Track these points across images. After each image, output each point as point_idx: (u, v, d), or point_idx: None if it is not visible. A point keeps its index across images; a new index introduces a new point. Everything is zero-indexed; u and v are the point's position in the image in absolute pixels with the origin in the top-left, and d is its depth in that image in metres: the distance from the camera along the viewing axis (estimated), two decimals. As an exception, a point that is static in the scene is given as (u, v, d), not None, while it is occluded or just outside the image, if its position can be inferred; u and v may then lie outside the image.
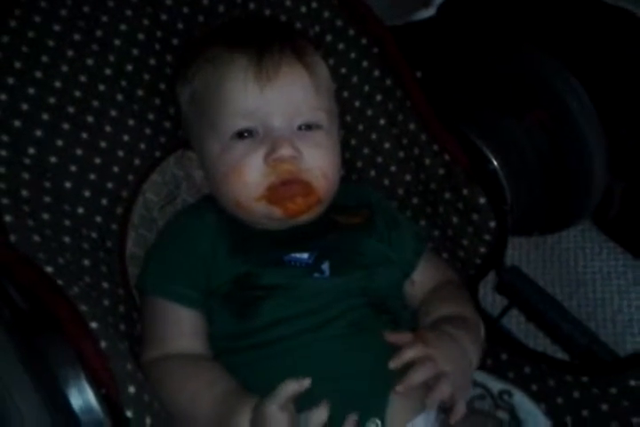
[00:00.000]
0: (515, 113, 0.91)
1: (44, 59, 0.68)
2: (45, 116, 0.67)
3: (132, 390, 0.53)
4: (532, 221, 1.01)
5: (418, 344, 0.61)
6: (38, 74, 0.67)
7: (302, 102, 0.67)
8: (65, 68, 0.69)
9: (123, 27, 0.74)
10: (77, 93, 0.70)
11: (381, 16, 0.81)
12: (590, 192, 0.94)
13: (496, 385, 0.71)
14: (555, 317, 0.79)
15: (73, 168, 0.68)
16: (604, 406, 0.68)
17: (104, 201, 0.70)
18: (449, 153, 0.76)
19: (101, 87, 0.72)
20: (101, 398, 0.50)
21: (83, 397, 0.50)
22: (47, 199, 0.64)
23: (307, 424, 0.55)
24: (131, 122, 0.74)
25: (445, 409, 0.63)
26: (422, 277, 0.74)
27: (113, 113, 0.72)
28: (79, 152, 0.69)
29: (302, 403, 0.56)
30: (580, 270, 1.23)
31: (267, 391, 0.56)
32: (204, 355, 0.65)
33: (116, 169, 0.72)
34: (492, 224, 0.75)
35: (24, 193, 0.62)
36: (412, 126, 0.78)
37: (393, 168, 0.81)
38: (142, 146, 0.75)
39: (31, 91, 0.67)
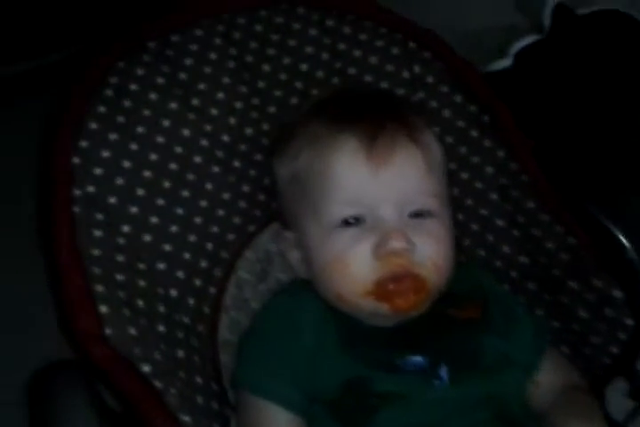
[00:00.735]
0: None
1: (140, 130, 0.64)
2: (141, 192, 0.62)
3: None
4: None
5: None
6: (134, 146, 0.63)
7: (415, 189, 0.61)
8: (161, 140, 0.65)
9: (220, 95, 0.70)
10: (173, 166, 0.65)
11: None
12: None
13: None
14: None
15: (167, 247, 0.63)
16: None
17: (197, 282, 0.65)
18: (575, 237, 0.68)
19: (197, 159, 0.67)
20: None
21: None
22: (142, 283, 0.59)
23: None
24: (226, 195, 0.69)
25: None
26: (547, 379, 0.65)
27: (209, 186, 0.67)
28: (174, 229, 0.64)
29: None
30: None
31: None
32: None
33: (209, 246, 0.67)
34: (629, 322, 0.66)
35: (119, 278, 0.57)
36: (529, 204, 0.71)
37: (506, 249, 0.73)
38: (236, 220, 0.70)
39: (127, 164, 0.62)
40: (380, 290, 0.59)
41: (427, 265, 0.60)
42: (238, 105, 0.71)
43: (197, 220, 0.66)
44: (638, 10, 1.17)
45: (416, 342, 0.61)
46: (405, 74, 0.76)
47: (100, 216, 0.59)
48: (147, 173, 0.63)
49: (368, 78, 0.76)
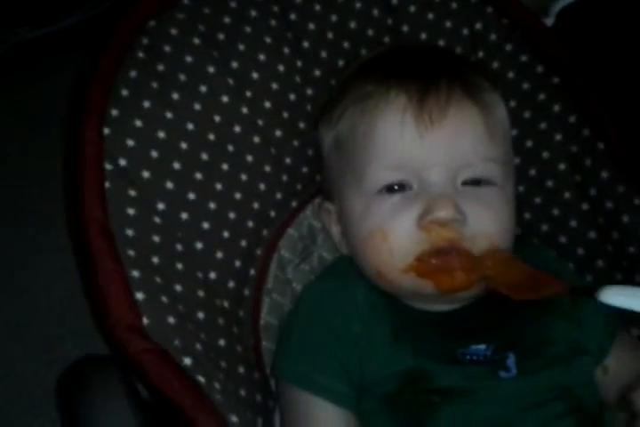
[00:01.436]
0: None
1: (175, 96, 0.58)
2: (177, 165, 0.57)
3: None
4: None
5: None
6: (169, 114, 0.58)
7: (472, 152, 0.54)
8: (198, 107, 0.59)
9: (261, 57, 0.64)
10: (211, 137, 0.59)
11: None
12: None
13: None
14: None
15: (205, 225, 0.58)
16: None
17: (237, 262, 0.60)
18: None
19: (237, 129, 0.61)
20: None
21: None
22: (179, 266, 0.54)
23: None
24: (267, 168, 0.63)
25: None
26: (617, 365, 0.59)
27: (249, 158, 0.62)
28: (212, 206, 0.58)
29: None
30: None
31: None
32: None
33: (250, 224, 0.61)
34: None
35: (155, 260, 0.52)
36: (604, 174, 0.64)
37: (573, 223, 0.67)
38: (278, 195, 0.64)
39: (161, 135, 0.57)
40: (423, 265, 0.53)
41: (479, 241, 0.53)
42: (281, 68, 0.65)
43: (237, 195, 0.61)
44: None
45: (477, 328, 0.56)
46: (465, 31, 0.69)
47: (132, 192, 0.54)
48: (183, 145, 0.58)
49: (423, 36, 0.69)
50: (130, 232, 0.52)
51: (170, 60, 0.59)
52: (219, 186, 0.59)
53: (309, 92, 0.66)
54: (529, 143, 0.67)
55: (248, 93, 0.63)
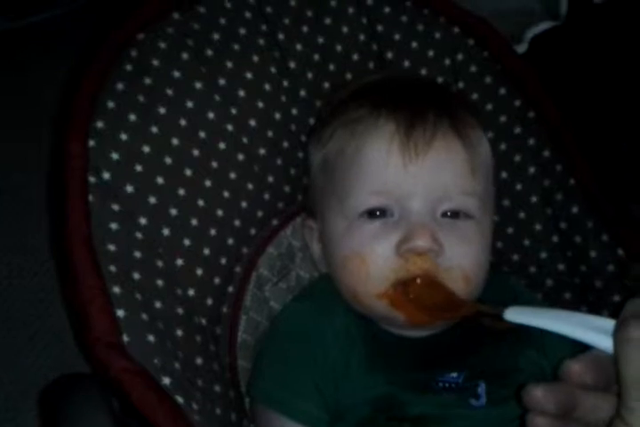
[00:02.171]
0: None
1: (162, 111, 0.58)
2: (160, 180, 0.56)
3: None
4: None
5: None
6: (154, 129, 0.57)
7: (453, 185, 0.56)
8: (184, 123, 0.59)
9: (248, 75, 0.64)
10: (196, 153, 0.59)
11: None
12: None
13: None
14: None
15: (186, 242, 0.57)
16: None
17: (216, 280, 0.60)
18: (625, 248, 0.64)
19: (222, 145, 0.61)
20: None
21: None
22: (160, 282, 0.53)
23: None
24: (250, 186, 0.63)
25: None
26: None
27: (232, 175, 0.62)
28: (194, 222, 0.58)
29: None
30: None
31: None
32: None
33: (230, 241, 0.61)
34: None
35: (136, 276, 0.51)
36: (574, 209, 0.66)
37: (543, 254, 0.69)
38: (260, 213, 0.64)
39: (146, 149, 0.56)
40: (397, 296, 0.54)
41: (454, 273, 0.55)
42: (267, 87, 0.65)
43: (219, 212, 0.60)
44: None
45: (451, 355, 0.57)
46: (447, 61, 0.70)
47: (115, 207, 0.53)
48: (167, 160, 0.57)
49: (406, 63, 0.71)
50: (112, 247, 0.51)
51: (157, 74, 0.59)
52: (201, 202, 0.59)
53: (294, 111, 0.67)
54: (504, 174, 0.69)
55: (234, 111, 0.63)
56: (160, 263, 0.55)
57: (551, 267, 0.68)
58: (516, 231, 0.70)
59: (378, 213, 0.56)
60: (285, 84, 0.66)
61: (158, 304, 0.52)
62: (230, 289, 0.62)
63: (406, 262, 0.53)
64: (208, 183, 0.60)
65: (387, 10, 0.69)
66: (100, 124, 0.54)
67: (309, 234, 0.64)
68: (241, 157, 0.63)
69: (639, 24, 1.13)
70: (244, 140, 0.63)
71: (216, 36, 0.63)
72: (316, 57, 0.68)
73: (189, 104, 0.60)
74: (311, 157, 0.63)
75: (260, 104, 0.64)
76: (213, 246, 0.59)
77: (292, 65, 0.67)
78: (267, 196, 0.65)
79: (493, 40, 0.70)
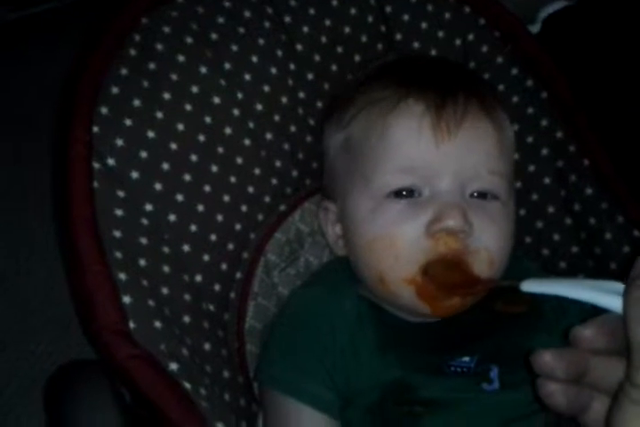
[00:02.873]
0: None
1: (166, 96, 0.57)
2: (166, 166, 0.56)
3: None
4: None
5: None
6: (159, 114, 0.57)
7: (482, 165, 0.54)
8: (189, 108, 0.58)
9: (254, 58, 0.63)
10: (202, 138, 0.59)
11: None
12: None
13: None
14: None
15: (193, 228, 0.57)
16: None
17: (224, 266, 0.59)
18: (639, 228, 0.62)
19: (228, 130, 0.61)
20: None
21: None
22: (166, 269, 0.53)
23: None
24: (257, 171, 0.62)
25: None
26: None
27: (239, 161, 0.61)
28: (200, 208, 0.58)
29: None
30: None
31: None
32: None
33: (238, 227, 0.61)
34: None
35: (142, 263, 0.51)
36: (588, 191, 0.65)
37: (556, 236, 0.68)
38: (267, 199, 0.64)
39: (151, 134, 0.56)
40: (424, 288, 0.53)
41: (481, 255, 0.54)
42: (273, 70, 0.64)
43: (225, 198, 0.60)
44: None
45: (463, 339, 0.56)
46: (457, 41, 0.69)
47: (121, 193, 0.53)
48: (173, 146, 0.57)
49: (416, 45, 0.69)
50: (117, 234, 0.51)
51: (162, 58, 0.58)
52: (207, 188, 0.59)
53: (301, 95, 0.66)
54: (516, 156, 0.68)
55: (240, 95, 0.62)
56: (166, 249, 0.54)
57: (565, 249, 0.67)
58: (529, 213, 0.69)
59: (405, 192, 0.55)
60: (292, 67, 0.65)
61: (165, 290, 0.52)
62: (238, 275, 0.61)
63: (436, 243, 0.52)
64: (214, 169, 0.59)
65: (395, -10, 0.68)
66: (104, 110, 0.54)
67: (325, 216, 0.62)
68: (247, 141, 0.62)
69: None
70: (251, 124, 0.63)
71: (220, 20, 0.62)
72: (324, 39, 0.67)
73: (194, 89, 0.59)
74: (329, 139, 0.62)
75: (267, 88, 0.64)
76: (220, 232, 0.59)
77: (299, 48, 0.66)
78: (274, 181, 0.64)
79: (505, 20, 0.68)
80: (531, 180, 0.68)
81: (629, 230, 0.63)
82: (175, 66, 0.59)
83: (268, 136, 0.64)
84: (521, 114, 0.67)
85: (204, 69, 0.60)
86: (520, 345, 0.57)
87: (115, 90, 0.55)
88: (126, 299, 0.47)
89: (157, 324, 0.48)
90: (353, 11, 0.67)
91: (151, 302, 0.49)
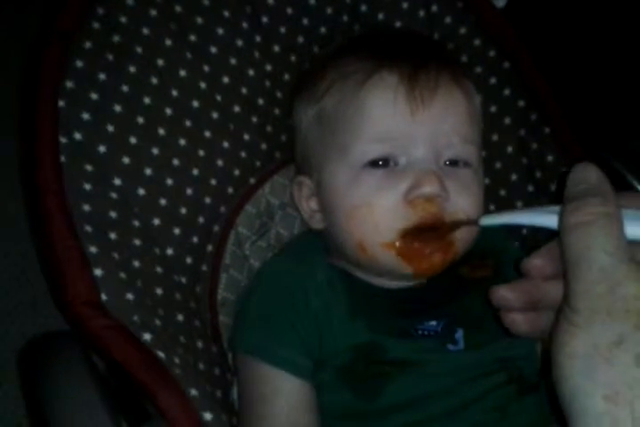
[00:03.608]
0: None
1: (132, 69, 0.57)
2: (133, 140, 0.56)
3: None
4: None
5: None
6: (125, 88, 0.57)
7: (455, 133, 0.56)
8: (155, 81, 0.58)
9: (219, 30, 0.63)
10: (169, 111, 0.59)
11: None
12: None
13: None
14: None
15: (162, 201, 0.57)
16: None
17: (195, 239, 0.60)
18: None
19: (195, 104, 0.61)
20: None
21: None
22: (137, 242, 0.54)
23: None
24: (225, 144, 0.63)
25: None
26: None
27: (207, 134, 0.61)
28: (169, 182, 0.58)
29: None
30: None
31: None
32: None
33: (207, 200, 0.61)
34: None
35: (112, 236, 0.52)
36: (549, 158, 0.67)
37: (519, 204, 0.70)
38: (236, 172, 0.64)
39: (117, 108, 0.56)
40: (404, 248, 0.54)
41: (459, 217, 0.55)
42: (239, 43, 0.64)
43: (194, 171, 0.60)
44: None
45: (430, 304, 0.58)
46: (421, 13, 0.69)
47: (89, 167, 0.53)
48: (140, 119, 0.57)
49: (380, 16, 0.70)
50: (86, 207, 0.51)
51: (126, 31, 0.58)
52: (176, 161, 0.59)
53: (268, 67, 0.66)
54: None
55: (206, 68, 0.62)
56: (137, 223, 0.55)
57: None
58: (493, 182, 0.70)
59: (381, 162, 0.56)
60: (258, 39, 0.65)
61: (136, 263, 0.53)
62: (209, 248, 0.62)
63: (415, 209, 0.54)
64: (182, 142, 0.59)
65: (359, -39, 0.68)
66: (69, 84, 0.54)
67: (299, 192, 0.63)
68: (215, 115, 0.62)
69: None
70: (218, 97, 0.63)
71: (184, -9, 0.61)
72: (289, 11, 0.67)
73: (160, 62, 0.59)
74: (300, 113, 0.62)
75: (233, 60, 0.64)
76: (190, 206, 0.59)
77: (265, 20, 0.66)
78: (243, 154, 0.65)
79: (468, -10, 0.69)
80: (494, 149, 0.69)
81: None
82: (140, 39, 0.58)
83: (236, 109, 0.64)
84: (484, 84, 0.69)
85: (169, 42, 0.60)
86: (483, 308, 0.59)
87: (79, 63, 0.54)
88: (97, 272, 0.48)
89: (129, 296, 0.49)
90: (318, -18, 0.67)
91: (122, 275, 0.50)
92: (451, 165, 0.57)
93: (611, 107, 0.95)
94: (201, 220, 0.61)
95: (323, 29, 0.69)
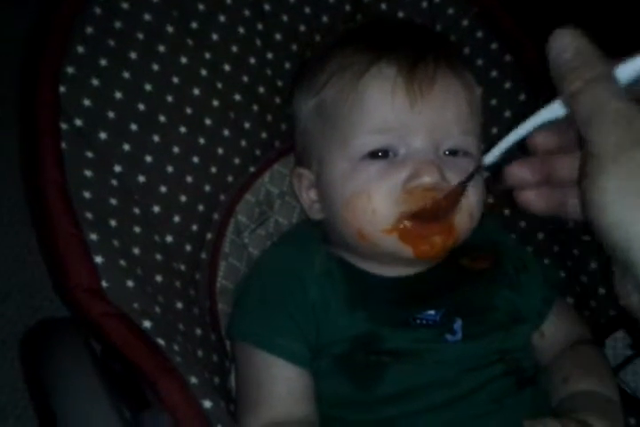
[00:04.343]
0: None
1: (133, 55, 0.57)
2: (134, 127, 0.56)
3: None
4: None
5: None
6: (126, 74, 0.56)
7: (454, 123, 0.56)
8: (156, 68, 0.58)
9: (221, 18, 0.63)
10: (170, 98, 0.59)
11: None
12: None
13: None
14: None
15: (163, 189, 0.57)
16: None
17: (194, 226, 0.60)
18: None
19: (196, 91, 0.61)
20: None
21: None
22: (137, 229, 0.54)
23: None
24: (226, 132, 0.63)
25: None
26: (553, 330, 0.63)
27: (207, 122, 0.61)
28: (170, 169, 0.58)
29: None
30: None
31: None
32: (316, 422, 0.55)
33: (207, 188, 0.61)
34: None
35: (113, 223, 0.52)
36: (550, 152, 0.67)
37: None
38: (237, 160, 0.64)
39: (118, 95, 0.55)
40: (405, 230, 0.54)
41: (462, 206, 0.56)
42: (241, 30, 0.64)
43: (195, 159, 0.60)
44: None
45: (429, 294, 0.59)
46: (424, 4, 0.69)
47: (89, 154, 0.52)
48: (141, 106, 0.57)
49: (383, 6, 0.70)
50: (87, 195, 0.51)
51: (127, 17, 0.57)
52: (176, 149, 0.59)
53: (269, 55, 0.66)
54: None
55: (207, 55, 0.62)
56: (137, 210, 0.55)
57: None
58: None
59: (381, 153, 0.56)
60: (260, 27, 0.65)
61: (136, 251, 0.53)
62: (209, 236, 0.62)
63: (413, 198, 0.54)
64: (183, 130, 0.59)
65: (363, -50, 0.68)
66: (70, 70, 0.53)
67: (299, 183, 0.63)
68: (216, 102, 0.62)
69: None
70: (219, 85, 0.62)
71: (187, -22, 0.61)
72: (292, 0, 0.67)
73: (161, 48, 0.59)
74: (300, 104, 0.62)
75: (234, 48, 0.63)
76: (190, 193, 0.59)
77: (267, 8, 0.65)
78: (243, 142, 0.64)
79: (471, -18, 0.69)
80: (493, 142, 0.69)
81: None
82: (141, 25, 0.58)
83: (237, 97, 0.64)
84: (485, 77, 0.69)
85: (170, 29, 0.59)
86: (483, 299, 0.60)
87: (80, 49, 0.54)
88: (98, 259, 0.48)
89: (130, 283, 0.49)
90: (321, -29, 0.67)
91: (123, 262, 0.50)
92: (450, 154, 0.57)
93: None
94: (201, 208, 0.61)
95: (325, 18, 0.69)
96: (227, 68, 0.63)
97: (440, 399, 0.54)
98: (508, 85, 0.69)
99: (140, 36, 0.58)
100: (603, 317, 0.67)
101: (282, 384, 0.55)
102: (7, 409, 0.85)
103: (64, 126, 0.52)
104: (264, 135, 0.66)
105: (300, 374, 0.56)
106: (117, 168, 0.54)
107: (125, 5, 0.57)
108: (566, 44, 0.38)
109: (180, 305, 0.55)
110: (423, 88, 0.55)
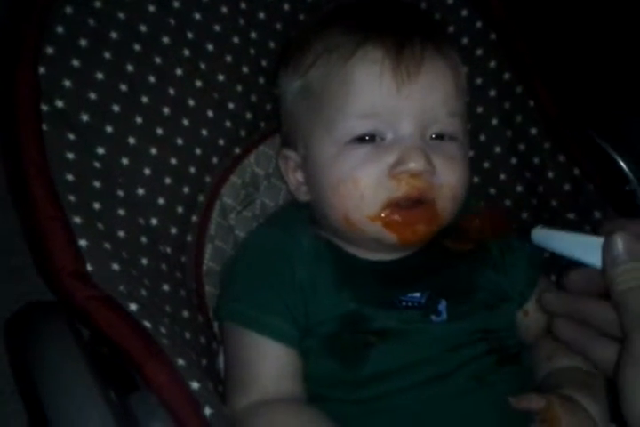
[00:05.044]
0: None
1: (114, 35, 0.56)
2: (116, 108, 0.55)
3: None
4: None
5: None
6: (107, 54, 0.55)
7: (441, 107, 0.56)
8: (137, 48, 0.57)
9: (203, -3, 0.62)
10: (152, 79, 0.58)
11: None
12: None
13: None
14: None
15: (147, 171, 0.57)
16: None
17: (179, 209, 0.60)
18: (580, 167, 0.65)
19: (178, 71, 0.60)
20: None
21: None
22: (121, 212, 0.53)
23: None
24: (210, 113, 0.62)
25: None
26: (536, 308, 0.64)
27: (191, 102, 0.61)
28: (153, 151, 0.57)
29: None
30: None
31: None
32: (304, 400, 0.56)
33: (192, 170, 0.61)
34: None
35: (96, 206, 0.51)
36: (532, 131, 0.67)
37: (502, 176, 0.70)
38: (221, 142, 0.63)
39: (100, 75, 0.55)
40: (390, 219, 0.55)
41: (444, 192, 0.56)
42: (224, 10, 0.63)
43: (179, 141, 0.60)
44: None
45: (414, 277, 0.59)
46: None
47: (71, 136, 0.52)
48: (123, 87, 0.56)
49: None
50: (70, 177, 0.50)
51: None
52: (159, 130, 0.58)
53: (253, 35, 0.65)
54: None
55: (190, 35, 0.61)
56: (120, 193, 0.54)
57: (510, 188, 0.70)
58: (477, 154, 0.71)
59: (367, 138, 0.56)
60: (243, 6, 0.64)
61: (121, 233, 0.52)
62: (194, 218, 0.62)
63: (399, 183, 0.54)
64: (166, 111, 0.59)
65: None
66: (49, 50, 0.52)
67: (285, 164, 0.63)
68: (199, 83, 0.61)
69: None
70: (202, 65, 0.62)
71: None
72: (275, -23, 0.66)
73: (142, 28, 0.58)
74: (285, 85, 0.61)
75: (217, 28, 0.62)
76: (174, 175, 0.59)
77: (250, -14, 0.64)
78: (228, 123, 0.64)
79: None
80: (479, 121, 0.69)
81: (570, 169, 0.66)
82: (122, 4, 0.57)
83: (220, 78, 0.63)
84: (470, 56, 0.68)
85: (152, 8, 0.58)
86: (467, 280, 0.60)
87: (60, 29, 0.53)
88: (82, 242, 0.48)
89: (115, 266, 0.49)
90: (305, -52, 0.66)
91: (107, 245, 0.50)
92: (437, 138, 0.57)
93: (596, 80, 0.95)
94: (186, 190, 0.60)
95: (309, -3, 0.68)
96: (210, 47, 0.62)
97: (424, 377, 0.54)
98: (492, 64, 0.68)
99: (121, 15, 0.57)
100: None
101: (270, 364, 0.55)
102: (6, 392, 0.85)
103: (45, 108, 0.51)
104: (249, 116, 0.66)
105: (289, 353, 0.56)
106: (100, 150, 0.54)
107: None
108: (621, 248, 0.47)
109: (166, 287, 0.55)
110: (410, 71, 0.54)
